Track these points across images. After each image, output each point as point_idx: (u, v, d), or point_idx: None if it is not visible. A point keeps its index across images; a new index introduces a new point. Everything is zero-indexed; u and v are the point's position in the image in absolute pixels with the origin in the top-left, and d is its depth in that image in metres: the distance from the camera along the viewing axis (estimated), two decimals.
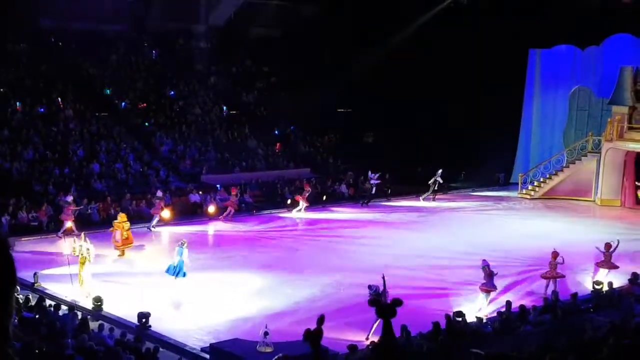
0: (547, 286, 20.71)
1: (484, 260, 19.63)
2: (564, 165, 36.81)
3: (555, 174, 36.47)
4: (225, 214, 30.20)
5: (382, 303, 8.04)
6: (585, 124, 37.91)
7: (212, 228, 29.42)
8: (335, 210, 33.01)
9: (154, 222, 28.30)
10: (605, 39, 38.80)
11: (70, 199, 27.10)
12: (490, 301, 19.34)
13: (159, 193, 29.27)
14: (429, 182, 34.13)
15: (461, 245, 26.60)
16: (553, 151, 38.17)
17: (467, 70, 39.42)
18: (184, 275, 20.99)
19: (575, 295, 18.52)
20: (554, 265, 20.66)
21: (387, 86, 40.90)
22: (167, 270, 21.14)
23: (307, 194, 31.72)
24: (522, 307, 17.59)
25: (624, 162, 35.25)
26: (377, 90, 41.07)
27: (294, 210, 31.61)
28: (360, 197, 34.55)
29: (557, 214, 32.69)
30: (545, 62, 40.55)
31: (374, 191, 34.18)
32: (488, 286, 19.10)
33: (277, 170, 37.02)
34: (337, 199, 34.83)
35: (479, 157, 37.57)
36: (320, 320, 8.91)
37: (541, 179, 37.14)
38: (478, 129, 38.21)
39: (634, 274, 20.34)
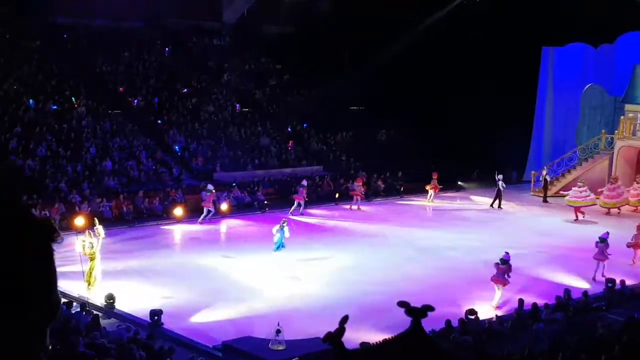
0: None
1: (507, 253, 20.02)
2: (577, 163, 36.73)
3: (568, 172, 36.38)
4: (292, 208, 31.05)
5: (412, 306, 7.99)
6: (597, 122, 37.82)
7: (225, 226, 29.47)
8: (347, 208, 32.98)
9: (203, 216, 28.91)
10: (618, 36, 38.71)
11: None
12: (506, 301, 19.35)
13: (210, 186, 29.59)
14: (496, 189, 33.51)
15: (474, 242, 26.64)
16: (566, 149, 38.08)
17: (480, 68, 39.37)
18: (283, 247, 23.41)
19: (586, 293, 18.50)
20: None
21: (401, 84, 40.90)
22: (274, 249, 23.50)
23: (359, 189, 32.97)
24: (534, 305, 17.60)
25: (637, 159, 35.16)
26: (391, 88, 41.07)
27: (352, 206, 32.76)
28: (372, 195, 34.53)
29: (569, 211, 32.54)
30: (558, 60, 40.49)
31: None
32: (502, 279, 19.50)
33: (290, 168, 37.07)
34: (350, 197, 34.82)
35: (492, 155, 37.52)
36: (343, 320, 8.93)
37: (554, 177, 37.05)
38: (491, 127, 38.13)
39: None
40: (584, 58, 40.05)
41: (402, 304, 8.78)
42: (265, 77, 44.79)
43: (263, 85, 44.05)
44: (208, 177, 34.00)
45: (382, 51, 41.81)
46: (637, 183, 32.47)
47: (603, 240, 22.22)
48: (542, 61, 40.69)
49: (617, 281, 19.61)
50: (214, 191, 29.50)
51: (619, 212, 32.38)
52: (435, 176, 34.32)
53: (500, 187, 33.05)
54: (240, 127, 39.39)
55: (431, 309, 8.14)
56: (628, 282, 20.06)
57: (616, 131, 35.14)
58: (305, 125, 41.85)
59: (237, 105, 41.64)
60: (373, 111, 42.32)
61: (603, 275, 21.32)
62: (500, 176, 33.13)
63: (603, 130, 36.31)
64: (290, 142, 39.71)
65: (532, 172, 37.80)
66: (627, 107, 35.31)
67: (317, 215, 31.51)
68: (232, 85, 43.01)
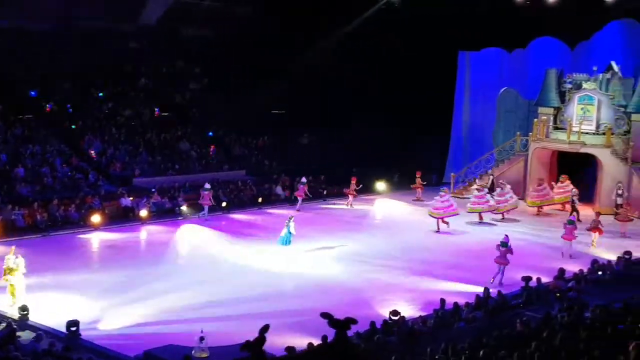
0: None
1: (506, 236, 23.11)
2: (494, 165, 37.62)
3: (486, 174, 37.21)
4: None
5: (336, 318, 8.14)
6: (513, 125, 38.78)
7: (145, 233, 29.08)
8: (270, 212, 33.01)
9: (205, 212, 30.77)
10: (530, 42, 39.83)
11: None
12: (429, 301, 19.74)
13: (207, 185, 31.09)
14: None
15: (396, 245, 27.13)
16: (483, 151, 38.94)
17: (400, 72, 40.01)
18: (289, 243, 25.71)
19: (500, 292, 18.96)
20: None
21: (322, 88, 41.18)
22: (278, 242, 25.72)
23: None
24: (455, 304, 17.97)
25: (549, 161, 36.24)
26: (312, 91, 41.31)
27: (347, 204, 34.20)
28: (295, 199, 34.65)
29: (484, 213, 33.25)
30: (475, 65, 41.42)
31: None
32: (503, 260, 22.42)
33: (212, 173, 36.82)
34: (273, 201, 34.85)
35: (413, 158, 38.14)
36: (264, 329, 9.00)
37: (473, 179, 37.85)
38: (412, 130, 38.80)
39: (560, 270, 20.93)
40: (499, 62, 41.08)
41: (325, 315, 8.87)
42: (185, 81, 44.39)
43: (183, 89, 43.65)
44: (126, 183, 33.54)
45: (302, 55, 41.95)
46: (562, 182, 33.46)
47: (504, 245, 22.59)
48: (459, 65, 41.56)
49: (534, 278, 20.14)
50: (211, 189, 31.11)
51: (540, 211, 33.26)
52: (354, 180, 34.66)
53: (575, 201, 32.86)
54: (159, 132, 38.94)
55: (354, 322, 8.32)
56: (544, 280, 20.61)
57: (530, 133, 36.11)
58: (226, 129, 41.58)
59: (156, 109, 41.15)
60: (294, 115, 42.45)
61: (501, 283, 21.89)
62: (575, 191, 32.92)
63: (518, 133, 37.28)
64: (212, 146, 39.45)
65: (452, 174, 38.53)
66: (540, 109, 36.39)
67: (241, 221, 31.39)
68: (150, 89, 42.49)
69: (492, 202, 31.51)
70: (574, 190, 32.76)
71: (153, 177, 34.90)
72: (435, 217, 29.66)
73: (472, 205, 31.31)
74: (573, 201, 32.27)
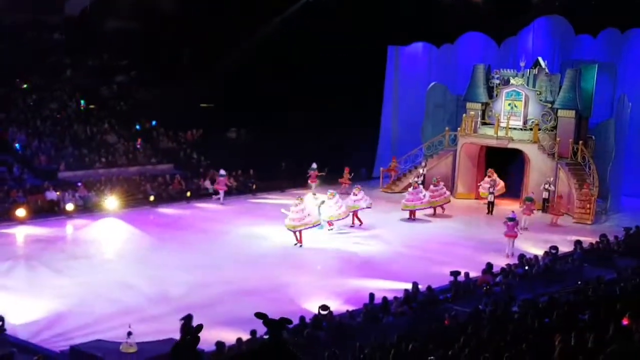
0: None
1: (513, 212, 26.49)
2: (422, 160, 37.97)
3: (415, 169, 37.55)
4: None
5: (270, 318, 8.08)
6: (441, 120, 39.15)
7: (71, 227, 28.55)
8: (199, 206, 32.75)
9: (221, 196, 33.04)
10: (459, 37, 40.35)
11: None
12: (357, 296, 19.83)
13: (222, 171, 33.51)
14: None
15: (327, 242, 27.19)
16: (412, 146, 39.24)
17: (328, 67, 40.03)
18: (321, 227, 27.13)
19: (429, 287, 19.14)
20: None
21: (251, 82, 40.96)
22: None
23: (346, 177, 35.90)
24: (384, 299, 18.09)
25: (478, 156, 36.75)
26: (241, 85, 41.06)
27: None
28: (215, 193, 34.34)
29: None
30: (404, 59, 41.72)
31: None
32: (512, 233, 25.26)
33: (139, 166, 36.35)
34: (202, 196, 34.55)
35: (342, 152, 38.24)
36: (196, 329, 8.89)
37: (401, 174, 38.17)
38: (341, 125, 38.86)
39: (488, 264, 21.29)
40: (428, 57, 41.45)
41: (259, 315, 8.79)
42: (111, 73, 43.64)
43: (109, 82, 42.89)
44: (51, 177, 32.85)
45: (230, 48, 41.68)
46: (489, 177, 33.86)
47: (512, 220, 25.58)
48: (388, 60, 41.72)
49: (462, 273, 20.42)
50: (226, 175, 33.55)
51: (443, 211, 33.04)
52: (347, 170, 36.41)
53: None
54: (85, 125, 38.22)
55: (289, 322, 8.27)
56: (472, 274, 20.92)
57: (459, 128, 36.55)
58: (154, 122, 41.11)
59: (82, 101, 40.39)
60: (222, 109, 42.15)
61: (512, 254, 24.73)
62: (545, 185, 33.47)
63: (447, 128, 37.66)
64: (139, 139, 38.90)
65: (381, 168, 38.77)
66: (469, 105, 36.78)
67: (169, 215, 31.07)
68: (76, 81, 41.65)
69: (427, 199, 31.31)
70: (497, 184, 33.34)
71: (79, 171, 34.26)
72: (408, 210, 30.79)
73: (405, 202, 31.19)
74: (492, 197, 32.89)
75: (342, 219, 28.66)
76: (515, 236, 25.55)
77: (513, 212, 26.99)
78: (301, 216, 26.10)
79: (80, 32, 43.26)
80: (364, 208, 29.49)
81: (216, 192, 33.77)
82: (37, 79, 40.17)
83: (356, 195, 29.57)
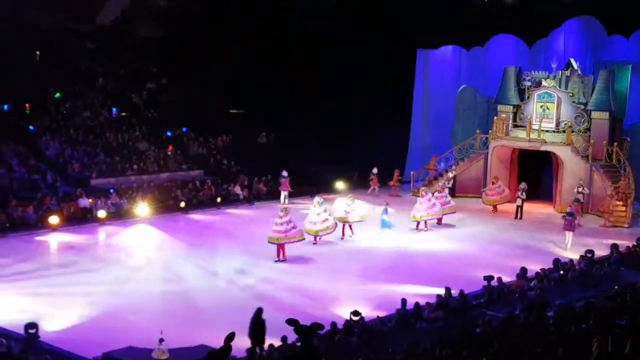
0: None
1: (570, 207, 28.37)
2: (453, 163, 37.65)
3: (446, 172, 37.23)
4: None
5: (302, 325, 7.96)
6: (472, 123, 38.84)
7: (103, 234, 28.66)
8: (229, 212, 32.76)
9: (283, 199, 33.73)
10: (489, 39, 40.02)
11: None
12: (388, 301, 19.69)
13: (284, 173, 33.94)
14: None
15: (353, 248, 27.00)
16: (443, 149, 38.91)
17: (359, 71, 39.93)
18: (390, 227, 28.56)
19: (462, 292, 18.91)
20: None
21: (280, 87, 40.98)
22: (383, 227, 28.54)
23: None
24: (416, 304, 17.89)
25: (510, 159, 36.38)
26: (271, 91, 41.08)
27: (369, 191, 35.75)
28: (254, 198, 34.44)
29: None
30: (433, 62, 41.43)
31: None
32: (571, 227, 26.85)
33: (170, 173, 36.51)
34: (232, 201, 34.57)
35: (372, 156, 38.06)
36: (229, 337, 8.78)
37: (432, 178, 37.86)
38: (370, 130, 38.74)
39: (522, 269, 20.96)
40: (458, 60, 41.15)
41: (290, 322, 8.66)
42: (142, 81, 43.91)
43: (140, 89, 43.15)
44: (84, 184, 33.05)
45: (259, 54, 41.74)
46: (493, 184, 33.62)
47: (570, 215, 27.06)
48: (418, 63, 41.48)
49: (495, 278, 20.16)
50: (288, 176, 33.97)
51: (495, 210, 33.37)
52: (397, 173, 37.31)
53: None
54: (117, 132, 38.48)
55: (321, 327, 8.14)
56: (505, 279, 20.65)
57: (490, 131, 36.22)
58: (184, 129, 41.27)
59: (114, 109, 40.69)
60: (253, 114, 42.18)
61: (567, 248, 26.35)
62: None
63: (478, 131, 37.35)
64: (170, 146, 39.06)
65: (412, 172, 38.51)
66: (500, 107, 36.44)
67: (200, 221, 31.11)
68: (108, 89, 41.98)
69: (437, 208, 30.00)
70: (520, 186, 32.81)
71: (111, 178, 34.47)
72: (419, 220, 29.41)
73: (414, 212, 29.63)
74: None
75: (328, 233, 26.86)
76: (573, 230, 27.06)
77: (571, 207, 28.75)
78: (286, 228, 24.84)
79: (111, 40, 43.61)
80: (356, 221, 28.06)
81: (250, 199, 33.54)
82: (69, 87, 40.51)
83: (349, 205, 28.12)
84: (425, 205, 29.67)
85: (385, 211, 29.02)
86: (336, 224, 27.31)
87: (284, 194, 34.18)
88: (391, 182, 36.94)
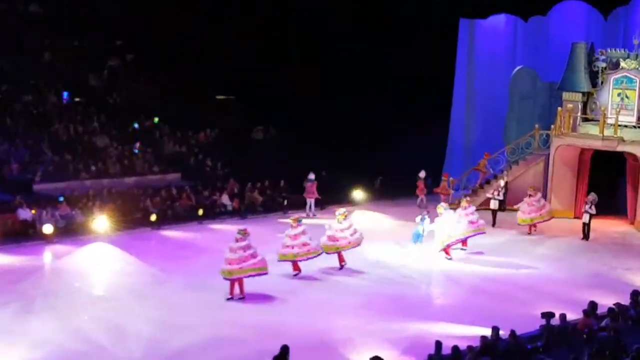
0: None
1: None
2: (505, 167, 37.71)
3: (495, 179, 37.30)
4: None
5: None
6: (530, 115, 38.90)
7: (50, 255, 28.80)
8: (215, 229, 32.89)
9: (309, 206, 35.31)
10: (552, 6, 40.04)
11: None
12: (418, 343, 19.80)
13: (311, 175, 35.43)
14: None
15: (374, 275, 27.22)
16: (493, 149, 38.93)
17: (382, 45, 40.06)
18: (420, 241, 28.87)
19: (513, 332, 18.93)
20: None
21: (282, 68, 41.13)
22: (413, 240, 28.94)
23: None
24: (455, 348, 17.94)
25: (578, 162, 36.36)
26: (270, 73, 41.25)
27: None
28: (247, 210, 34.66)
29: (495, 230, 33.30)
30: (480, 36, 41.53)
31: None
32: None
33: (137, 177, 36.78)
34: (218, 214, 34.72)
35: (399, 157, 38.16)
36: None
37: (477, 186, 37.93)
38: (397, 124, 38.82)
39: (591, 304, 20.98)
40: (512, 33, 41.23)
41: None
42: (102, 57, 44.12)
43: (99, 68, 43.37)
44: (25, 190, 33.20)
45: (257, 27, 41.97)
46: (530, 197, 33.02)
47: None
48: (460, 37, 41.59)
49: (556, 315, 20.19)
50: (315, 180, 35.38)
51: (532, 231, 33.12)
52: (445, 177, 37.64)
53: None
54: (68, 123, 38.70)
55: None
56: (569, 317, 20.69)
57: (552, 126, 36.23)
58: (156, 120, 41.48)
59: (64, 93, 40.88)
60: (246, 102, 42.34)
61: None
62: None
63: (536, 126, 37.40)
64: (137, 142, 39.26)
65: (444, 174, 38.58)
66: (565, 95, 36.46)
67: (176, 239, 31.34)
68: (57, 67, 42.18)
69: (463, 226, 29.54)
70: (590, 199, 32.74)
71: (60, 182, 34.70)
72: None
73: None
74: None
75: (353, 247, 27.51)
76: None
77: None
78: (303, 241, 26.21)
79: (64, 4, 43.80)
80: (349, 245, 27.54)
81: (242, 211, 33.83)
82: (7, 65, 40.71)
83: (340, 223, 27.52)
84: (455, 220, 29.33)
85: (423, 220, 29.12)
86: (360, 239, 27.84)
87: (309, 202, 35.29)
88: (438, 189, 37.21)
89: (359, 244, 27.67)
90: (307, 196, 35.53)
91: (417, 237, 29.01)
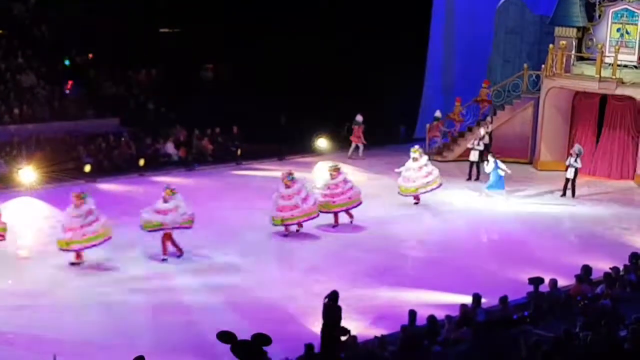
0: None
1: None
2: (489, 113, 37.80)
3: (477, 126, 37.37)
4: None
5: (240, 340, 8.18)
6: (517, 53, 38.96)
7: None
8: (158, 181, 32.77)
9: (352, 150, 37.28)
10: None
11: None
12: (389, 315, 19.88)
13: (359, 117, 37.17)
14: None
15: (341, 235, 27.33)
16: (475, 92, 39.00)
17: None
18: (499, 188, 30.55)
19: (505, 299, 19.03)
20: None
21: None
22: (490, 188, 30.73)
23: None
24: (431, 318, 18.00)
25: (571, 107, 36.51)
26: (222, 2, 41.02)
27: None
28: (195, 161, 34.59)
29: (475, 184, 33.46)
30: None
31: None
32: None
33: (69, 122, 36.55)
34: (162, 164, 34.61)
35: (372, 103, 38.11)
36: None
37: (456, 133, 38.01)
38: (369, 64, 38.76)
39: (585, 268, 21.08)
40: None
41: (223, 337, 8.83)
42: None
43: None
44: None
45: None
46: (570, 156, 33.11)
47: None
48: None
49: (546, 281, 20.29)
50: (362, 123, 37.04)
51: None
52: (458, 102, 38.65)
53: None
54: None
55: (267, 341, 8.36)
56: (560, 283, 20.80)
57: (543, 66, 36.32)
58: (90, 55, 41.18)
59: None
60: (194, 36, 42.08)
61: None
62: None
63: (525, 65, 37.46)
64: (69, 81, 38.98)
65: (427, 125, 38.61)
66: (558, 31, 36.50)
67: (113, 193, 31.27)
68: None
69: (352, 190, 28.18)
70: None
71: None
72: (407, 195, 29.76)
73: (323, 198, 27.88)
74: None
75: (430, 190, 29.72)
76: None
77: None
78: (342, 190, 27.21)
79: None
80: (341, 209, 27.62)
81: (189, 161, 33.81)
82: None
83: (334, 179, 27.52)
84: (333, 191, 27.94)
85: (496, 164, 30.31)
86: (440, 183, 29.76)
87: (354, 145, 36.77)
88: (451, 115, 38.43)
89: (360, 202, 27.68)
90: (353, 139, 37.16)
91: (498, 185, 30.63)
